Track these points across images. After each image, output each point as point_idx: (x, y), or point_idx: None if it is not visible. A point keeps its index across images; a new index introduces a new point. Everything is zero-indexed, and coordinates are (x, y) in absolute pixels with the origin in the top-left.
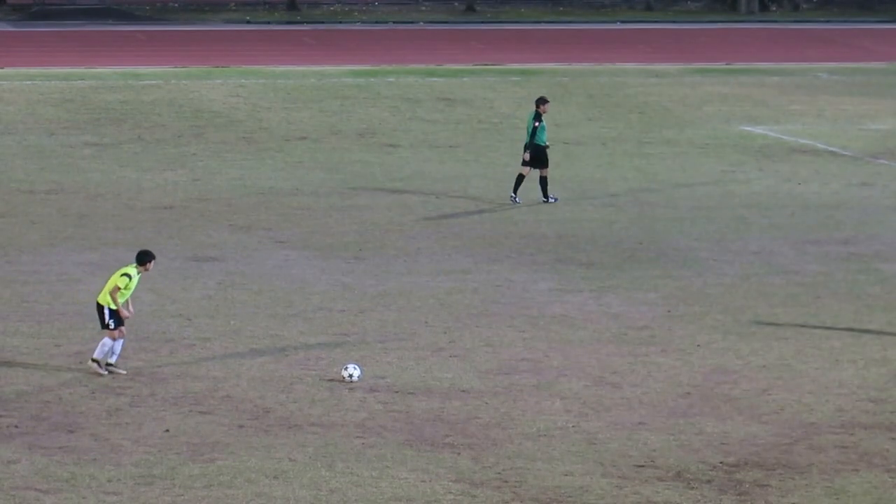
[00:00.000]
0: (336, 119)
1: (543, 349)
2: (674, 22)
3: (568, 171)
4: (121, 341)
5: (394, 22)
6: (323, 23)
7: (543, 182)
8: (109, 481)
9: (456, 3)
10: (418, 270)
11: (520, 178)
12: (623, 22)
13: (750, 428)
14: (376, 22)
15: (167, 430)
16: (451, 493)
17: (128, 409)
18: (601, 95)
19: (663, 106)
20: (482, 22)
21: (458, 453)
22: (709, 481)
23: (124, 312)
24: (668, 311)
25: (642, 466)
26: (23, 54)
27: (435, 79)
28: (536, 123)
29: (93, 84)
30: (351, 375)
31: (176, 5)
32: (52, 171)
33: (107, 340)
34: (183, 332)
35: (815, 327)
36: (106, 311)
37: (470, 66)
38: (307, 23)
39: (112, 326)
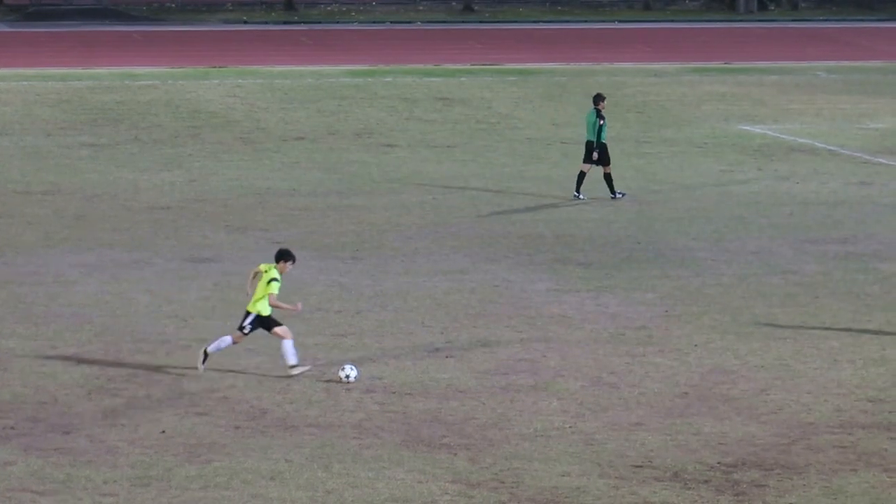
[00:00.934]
0: (333, 119)
1: (541, 349)
2: (672, 21)
3: (566, 170)
4: (289, 341)
5: (391, 22)
6: (320, 23)
7: (608, 178)
8: (105, 483)
9: (454, 3)
10: (415, 271)
11: (581, 176)
12: (621, 21)
13: (748, 428)
14: (374, 22)
15: (163, 432)
16: (447, 493)
17: (124, 411)
18: None
19: (661, 105)
20: (480, 22)
21: (455, 454)
22: (706, 481)
23: (295, 308)
24: (666, 311)
25: (639, 467)
26: (19, 55)
27: (432, 79)
28: (601, 122)
29: (89, 84)
30: (348, 376)
31: (173, 5)
32: (48, 171)
33: (287, 343)
34: (179, 333)
35: (814, 327)
36: (251, 317)
37: (468, 66)
38: (304, 23)
39: (247, 332)
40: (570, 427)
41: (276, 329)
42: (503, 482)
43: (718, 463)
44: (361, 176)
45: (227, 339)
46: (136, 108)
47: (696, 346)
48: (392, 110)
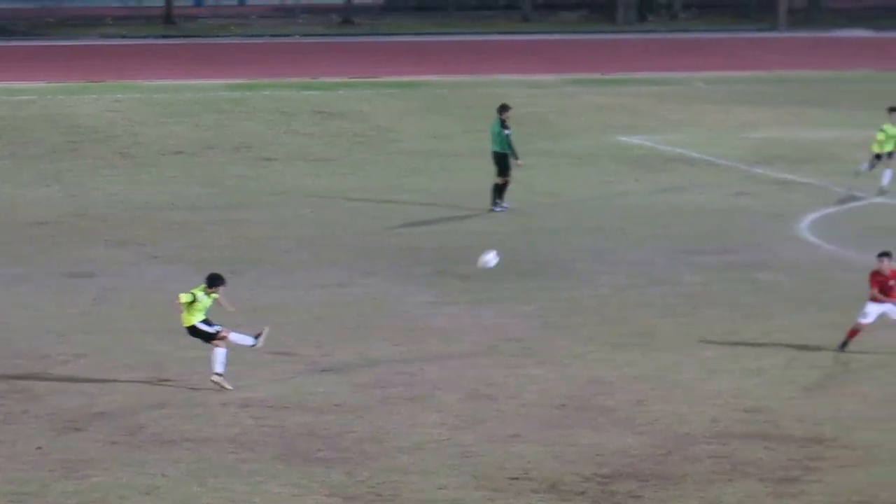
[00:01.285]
0: (212, 133)
1: (419, 362)
2: (551, 33)
3: (445, 183)
4: (223, 350)
5: (270, 35)
6: (199, 37)
7: (497, 189)
8: None
9: (333, 16)
10: (294, 284)
11: (503, 188)
12: (501, 33)
13: (624, 439)
14: (252, 35)
15: (39, 448)
16: None
17: (0, 427)
18: (478, 107)
19: (541, 117)
20: (359, 34)
21: (332, 467)
22: (582, 493)
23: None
24: (545, 323)
25: (516, 479)
26: None
27: (311, 92)
28: (507, 131)
29: None
30: (488, 262)
31: (52, 20)
32: None
33: (219, 350)
34: (57, 348)
35: (692, 338)
36: (201, 326)
37: (346, 79)
38: (183, 37)
39: (219, 331)
40: (448, 440)
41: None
42: (380, 495)
43: (595, 474)
44: (240, 190)
45: (220, 351)
46: (14, 124)
47: (573, 357)
48: (270, 124)
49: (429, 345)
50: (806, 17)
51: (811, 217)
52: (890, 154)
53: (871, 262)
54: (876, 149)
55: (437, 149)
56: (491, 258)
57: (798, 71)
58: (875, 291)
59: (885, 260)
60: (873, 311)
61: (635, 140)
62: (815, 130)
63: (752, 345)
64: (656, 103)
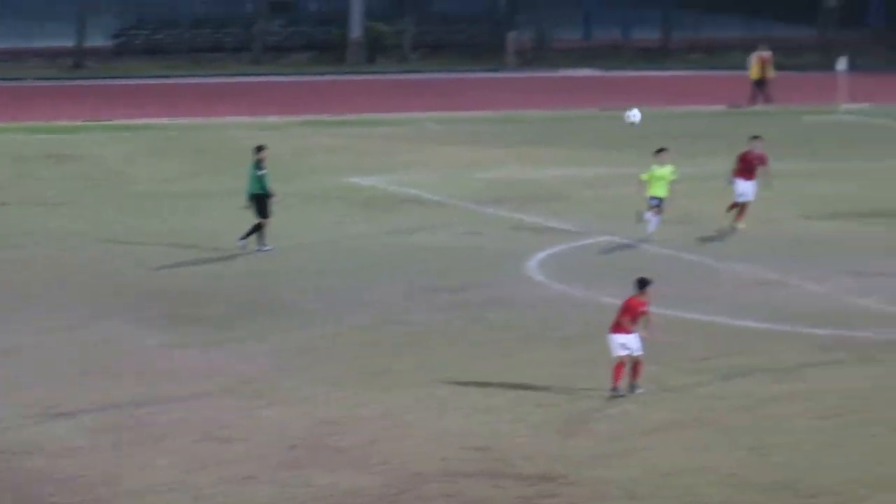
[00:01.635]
0: None
1: (151, 405)
2: (281, 74)
3: (176, 225)
4: None
5: (1, 79)
6: None
7: (256, 229)
8: None
9: (64, 59)
10: (25, 328)
11: (258, 227)
12: (231, 76)
13: (357, 479)
14: None
15: None
16: None
17: None
18: (208, 150)
19: (272, 159)
20: (91, 77)
21: None
22: None
23: None
24: (277, 364)
25: None
26: None
27: (43, 135)
28: (261, 171)
29: None
30: (631, 115)
31: None
32: None
33: None
34: None
35: (424, 377)
36: None
37: (79, 123)
38: None
39: None
40: (180, 482)
41: None
42: None
43: None
44: None
45: None
46: None
47: (306, 398)
48: (2, 168)
49: (161, 387)
50: (534, 56)
51: (540, 256)
52: (661, 200)
53: (600, 300)
54: (659, 193)
55: (170, 191)
56: (635, 112)
57: (526, 111)
58: (626, 320)
59: (647, 289)
60: (618, 341)
61: (366, 181)
62: (544, 169)
63: (483, 384)
64: (386, 144)
